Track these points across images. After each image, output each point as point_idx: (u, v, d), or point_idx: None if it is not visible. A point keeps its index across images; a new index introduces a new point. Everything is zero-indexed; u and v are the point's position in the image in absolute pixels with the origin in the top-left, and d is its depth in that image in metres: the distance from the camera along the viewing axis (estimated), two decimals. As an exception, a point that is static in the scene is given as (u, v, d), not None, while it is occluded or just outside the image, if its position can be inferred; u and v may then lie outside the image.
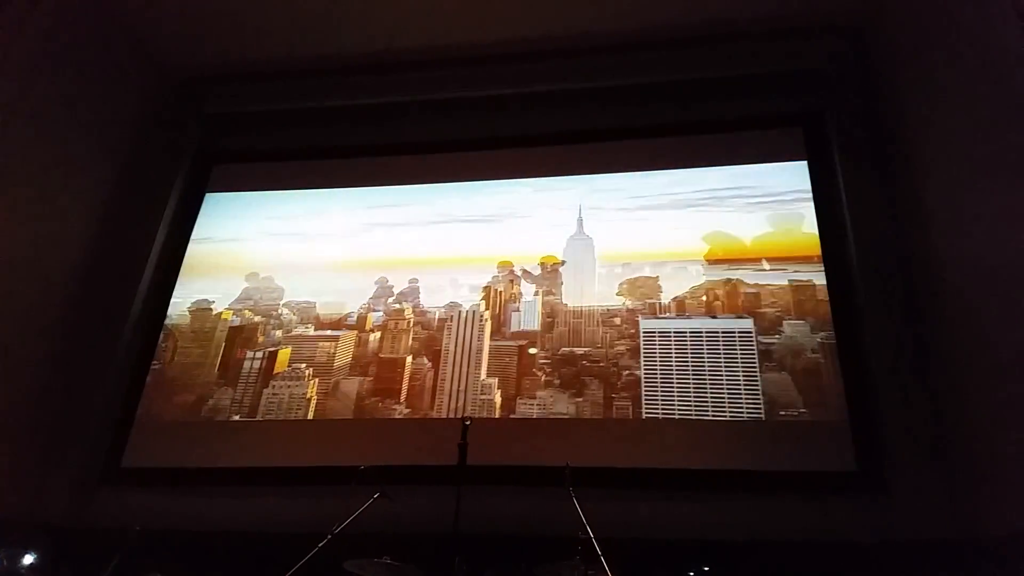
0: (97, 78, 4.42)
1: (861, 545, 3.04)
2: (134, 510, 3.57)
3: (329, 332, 4.58)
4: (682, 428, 3.75)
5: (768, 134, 4.57)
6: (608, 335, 4.26)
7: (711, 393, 3.90)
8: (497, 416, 4.07)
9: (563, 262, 4.55)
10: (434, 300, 4.64)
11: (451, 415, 4.12)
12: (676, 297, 4.32)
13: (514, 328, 4.45)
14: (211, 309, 4.73)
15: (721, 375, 3.96)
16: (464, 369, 4.29)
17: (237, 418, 4.31)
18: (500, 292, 4.61)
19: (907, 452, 3.28)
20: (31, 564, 3.08)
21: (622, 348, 4.20)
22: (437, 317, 4.57)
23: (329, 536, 2.65)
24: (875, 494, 3.25)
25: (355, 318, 4.63)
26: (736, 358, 4.01)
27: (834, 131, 4.28)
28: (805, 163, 4.43)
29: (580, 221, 4.62)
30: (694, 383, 3.94)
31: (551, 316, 4.42)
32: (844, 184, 4.09)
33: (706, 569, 2.48)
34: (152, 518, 3.32)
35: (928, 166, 3.69)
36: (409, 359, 4.39)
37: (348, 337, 4.54)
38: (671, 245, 4.46)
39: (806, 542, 3.05)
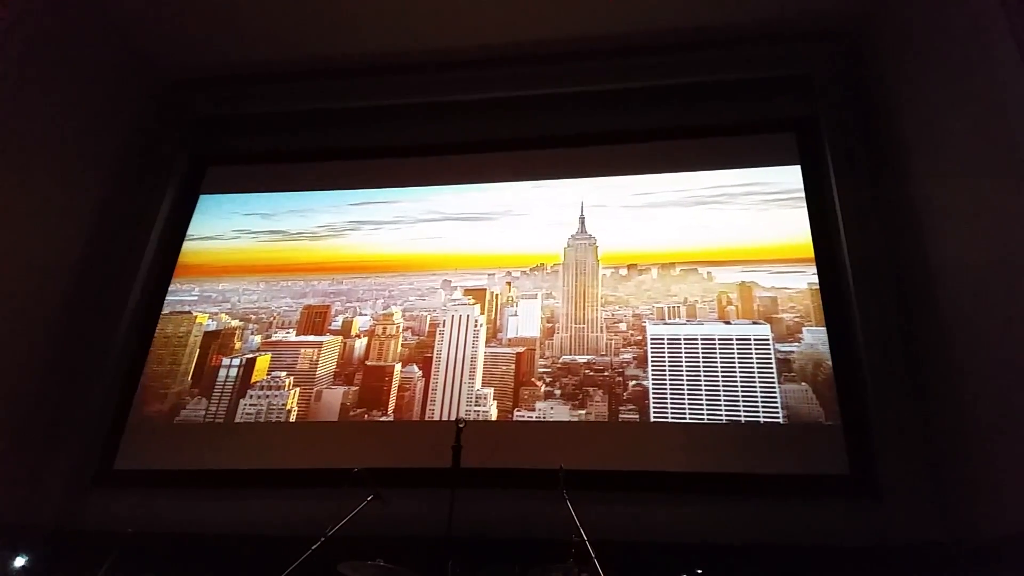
0: (90, 80, 5.11)
1: (854, 548, 3.64)
2: (127, 512, 4.22)
3: (312, 338, 5.18)
4: (675, 431, 4.36)
5: (761, 139, 5.24)
6: (613, 342, 4.84)
7: (726, 404, 4.42)
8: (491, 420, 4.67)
9: (564, 263, 5.18)
10: (426, 304, 5.24)
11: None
12: (687, 301, 4.96)
13: (511, 334, 5.02)
14: (184, 312, 5.32)
15: (736, 385, 4.50)
16: (457, 378, 4.86)
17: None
18: (496, 295, 5.22)
19: (900, 455, 3.91)
20: (23, 566, 3.71)
21: (628, 356, 4.77)
22: (428, 322, 5.16)
23: (322, 538, 3.22)
24: (868, 497, 3.86)
25: (340, 322, 5.25)
26: (752, 367, 4.57)
27: (827, 136, 4.97)
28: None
29: (582, 219, 5.23)
30: (707, 393, 4.49)
31: (551, 321, 5.01)
32: (837, 188, 4.76)
33: (699, 572, 3.06)
34: (146, 520, 4.03)
35: (921, 170, 4.34)
36: (398, 367, 4.95)
37: (332, 343, 5.12)
38: (680, 245, 5.06)
39: (799, 545, 3.64)
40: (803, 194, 5.03)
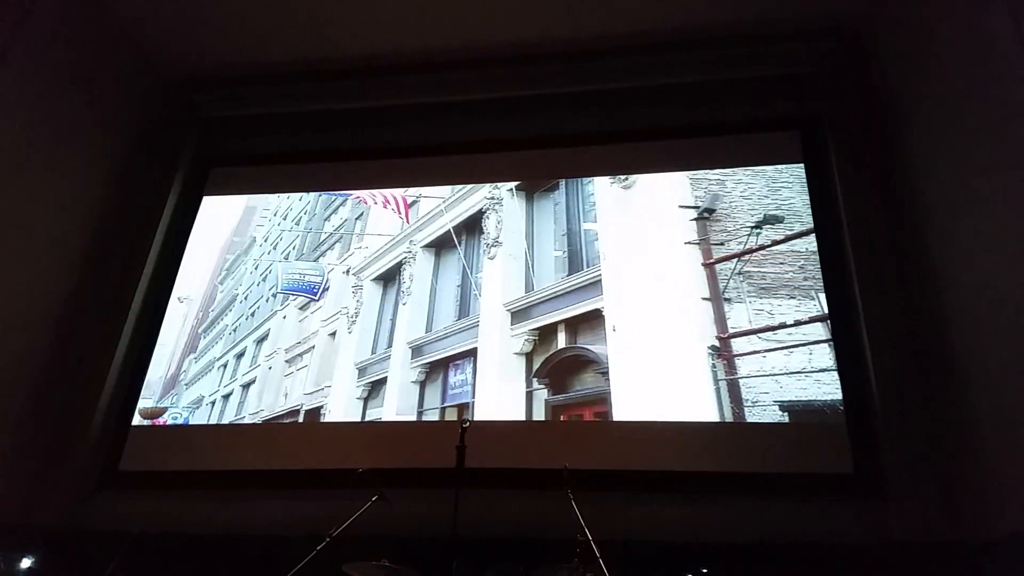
0: (94, 81, 6.01)
1: (858, 547, 4.37)
2: (132, 513, 5.07)
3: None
4: (680, 431, 5.13)
5: (765, 137, 6.10)
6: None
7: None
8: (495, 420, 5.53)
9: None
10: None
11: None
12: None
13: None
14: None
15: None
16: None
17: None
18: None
19: (904, 454, 4.65)
20: (29, 568, 4.52)
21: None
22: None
23: (327, 539, 3.94)
24: (872, 496, 4.62)
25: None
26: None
27: (831, 134, 5.79)
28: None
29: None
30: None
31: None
32: (841, 187, 5.56)
33: (704, 571, 3.77)
34: (150, 521, 4.85)
35: (925, 168, 5.09)
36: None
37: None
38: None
39: (804, 544, 4.38)
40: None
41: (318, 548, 3.93)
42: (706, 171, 6.22)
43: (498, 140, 6.69)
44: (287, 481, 5.31)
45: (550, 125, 6.65)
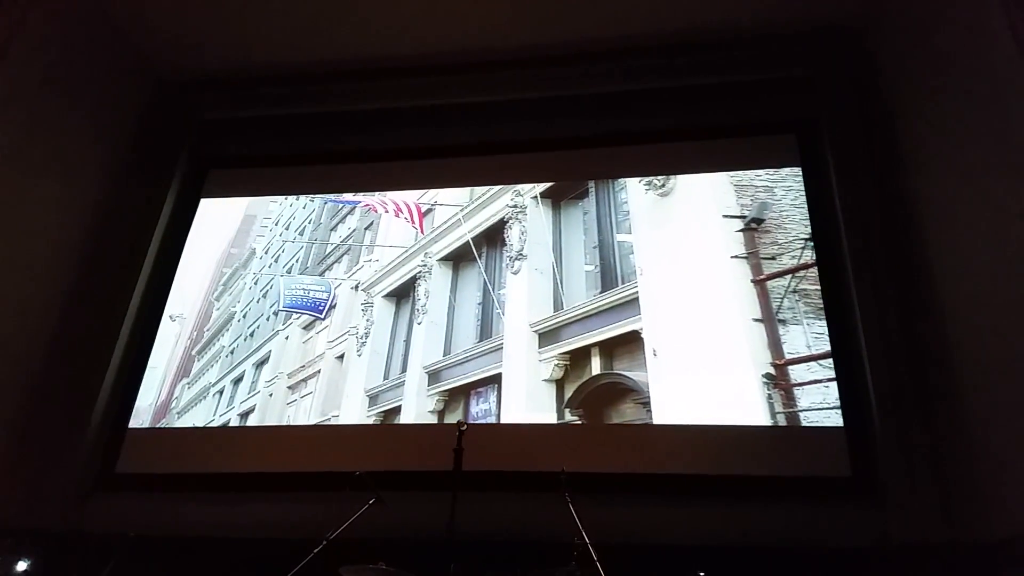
0: (92, 83, 7.07)
1: (856, 550, 5.13)
2: (129, 515, 5.98)
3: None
4: (677, 434, 5.91)
5: (762, 140, 6.98)
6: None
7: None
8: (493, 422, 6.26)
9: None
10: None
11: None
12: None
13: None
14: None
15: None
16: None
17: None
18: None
19: (902, 457, 5.42)
20: (25, 570, 5.38)
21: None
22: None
23: (324, 542, 4.71)
24: (870, 499, 5.40)
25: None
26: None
27: (828, 137, 6.66)
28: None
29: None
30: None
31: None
32: (838, 190, 6.41)
33: (701, 574, 4.56)
34: (147, 523, 5.75)
35: (923, 171, 5.90)
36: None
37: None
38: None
39: (801, 547, 5.15)
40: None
41: (315, 551, 4.71)
42: (752, 178, 6.96)
43: (497, 143, 7.65)
44: (284, 484, 6.18)
45: (546, 129, 7.61)
